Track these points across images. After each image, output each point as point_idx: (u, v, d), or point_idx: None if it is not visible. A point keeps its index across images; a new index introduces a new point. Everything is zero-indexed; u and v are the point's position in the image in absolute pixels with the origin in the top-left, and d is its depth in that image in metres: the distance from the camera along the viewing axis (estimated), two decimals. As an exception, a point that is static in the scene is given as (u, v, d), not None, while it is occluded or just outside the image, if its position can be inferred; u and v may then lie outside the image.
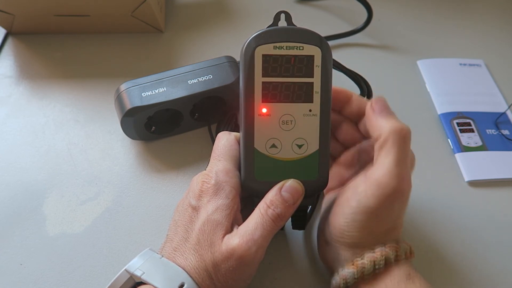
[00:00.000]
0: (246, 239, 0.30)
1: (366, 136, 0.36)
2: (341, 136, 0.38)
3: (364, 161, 0.36)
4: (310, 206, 0.41)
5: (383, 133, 0.32)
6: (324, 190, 0.36)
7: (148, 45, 0.56)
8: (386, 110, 0.33)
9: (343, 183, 0.36)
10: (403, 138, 0.31)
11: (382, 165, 0.31)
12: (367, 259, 0.31)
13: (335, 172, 0.38)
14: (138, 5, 0.52)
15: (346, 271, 0.32)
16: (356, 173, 0.36)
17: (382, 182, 0.30)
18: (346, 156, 0.38)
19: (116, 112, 0.44)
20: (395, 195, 0.31)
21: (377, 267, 0.31)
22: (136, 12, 0.53)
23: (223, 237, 0.31)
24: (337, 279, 0.33)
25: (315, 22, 0.60)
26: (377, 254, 0.31)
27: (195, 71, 0.44)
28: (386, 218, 0.32)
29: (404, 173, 0.31)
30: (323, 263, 0.36)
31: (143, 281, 0.30)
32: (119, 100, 0.43)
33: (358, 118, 0.37)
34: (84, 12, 0.53)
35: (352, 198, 0.32)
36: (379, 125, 0.32)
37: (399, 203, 0.31)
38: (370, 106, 0.34)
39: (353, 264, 0.32)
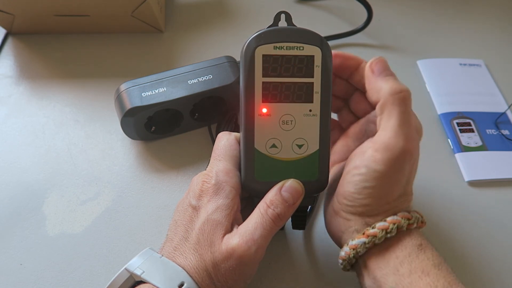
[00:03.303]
0: (246, 239, 0.30)
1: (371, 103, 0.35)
2: (352, 106, 0.37)
3: (371, 132, 0.34)
4: (310, 206, 0.41)
5: (382, 95, 0.31)
6: (330, 164, 0.35)
7: (148, 45, 0.56)
8: (386, 71, 0.32)
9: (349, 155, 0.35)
10: (403, 100, 0.30)
11: (387, 128, 0.30)
12: (378, 228, 0.30)
13: (343, 145, 0.37)
14: (138, 5, 0.52)
15: (356, 241, 0.31)
16: None
17: (389, 144, 0.30)
18: (355, 127, 0.37)
19: (116, 112, 0.44)
20: (404, 156, 0.30)
21: (389, 235, 0.30)
22: (136, 12, 0.53)
23: (223, 236, 0.31)
24: (346, 249, 0.32)
25: (315, 22, 0.60)
26: (388, 223, 0.30)
27: (195, 71, 0.44)
28: (397, 182, 0.31)
29: (410, 133, 0.30)
30: (331, 236, 0.35)
31: (143, 280, 0.31)
32: (119, 100, 0.43)
33: (364, 87, 0.35)
34: (84, 12, 0.53)
35: (360, 164, 0.31)
36: (378, 87, 0.31)
37: (408, 164, 0.31)
38: (369, 67, 0.33)
39: (363, 234, 0.31)
